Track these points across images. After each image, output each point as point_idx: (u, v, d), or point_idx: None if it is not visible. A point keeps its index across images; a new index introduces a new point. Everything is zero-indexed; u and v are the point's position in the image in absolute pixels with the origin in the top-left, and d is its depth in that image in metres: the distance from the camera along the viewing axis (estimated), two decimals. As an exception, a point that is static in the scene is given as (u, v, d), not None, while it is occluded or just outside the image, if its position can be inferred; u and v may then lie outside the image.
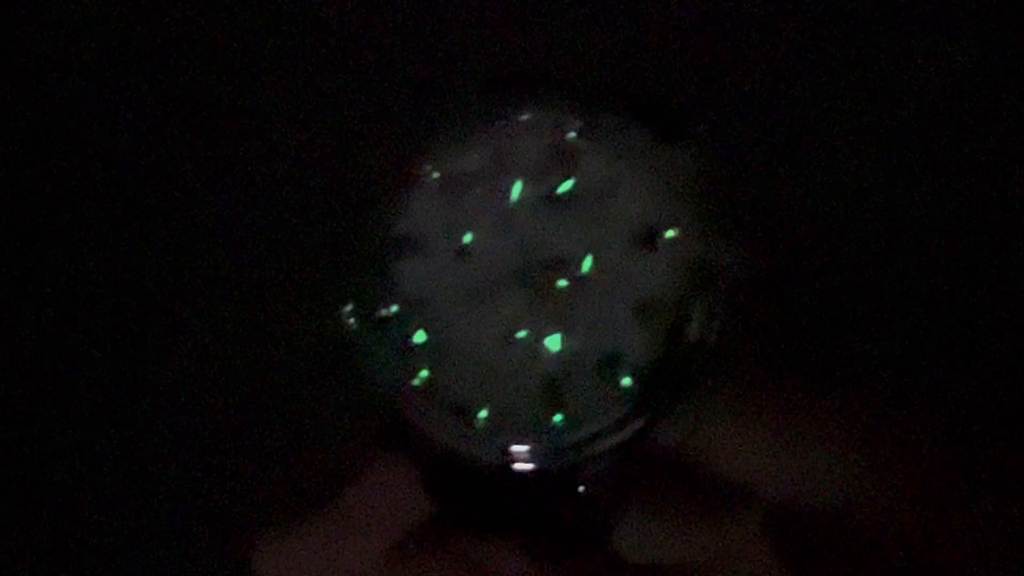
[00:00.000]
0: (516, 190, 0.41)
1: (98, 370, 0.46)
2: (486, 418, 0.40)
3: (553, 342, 0.40)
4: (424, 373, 0.41)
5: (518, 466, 0.40)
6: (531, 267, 0.40)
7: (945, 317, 0.42)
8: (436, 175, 0.41)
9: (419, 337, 0.41)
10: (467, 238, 0.41)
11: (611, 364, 0.40)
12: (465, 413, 0.40)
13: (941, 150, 0.42)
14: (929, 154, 0.42)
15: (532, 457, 0.40)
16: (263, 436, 0.44)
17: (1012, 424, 0.42)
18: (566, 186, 0.40)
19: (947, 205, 0.42)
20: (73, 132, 0.46)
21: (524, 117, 0.41)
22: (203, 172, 0.45)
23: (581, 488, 0.41)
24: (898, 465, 0.41)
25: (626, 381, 0.40)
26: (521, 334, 0.40)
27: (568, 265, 0.40)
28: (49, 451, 0.45)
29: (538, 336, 0.40)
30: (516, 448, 0.40)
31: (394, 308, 0.41)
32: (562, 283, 0.40)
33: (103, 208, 0.46)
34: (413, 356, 0.41)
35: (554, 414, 0.40)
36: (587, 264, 0.40)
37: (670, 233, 0.40)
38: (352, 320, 0.41)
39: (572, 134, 0.41)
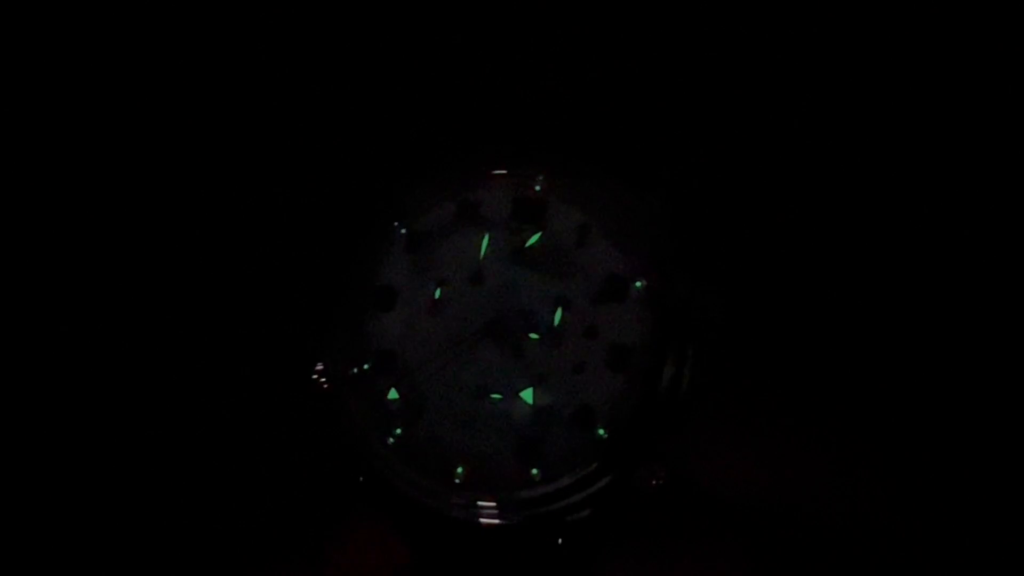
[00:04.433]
0: (484, 244, 0.41)
1: (70, 430, 0.45)
2: (462, 474, 0.40)
3: (528, 396, 0.40)
4: (398, 431, 0.41)
5: (494, 521, 0.40)
6: (503, 321, 0.40)
7: (914, 346, 0.43)
8: (406, 232, 0.41)
9: (392, 394, 0.41)
10: (438, 294, 0.41)
11: (585, 416, 0.40)
12: (442, 470, 0.40)
13: (912, 192, 0.42)
14: (900, 193, 0.42)
15: (507, 513, 0.40)
16: (239, 493, 0.44)
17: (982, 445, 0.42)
18: (533, 239, 0.41)
19: (918, 243, 0.42)
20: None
21: (492, 172, 0.41)
22: (171, 230, 0.45)
23: (560, 540, 0.41)
24: (875, 482, 0.42)
25: (600, 432, 0.40)
26: (495, 388, 0.40)
27: (539, 318, 0.40)
28: (30, 502, 0.45)
29: (512, 390, 0.40)
30: (490, 504, 0.40)
31: (366, 365, 0.41)
32: (534, 336, 0.40)
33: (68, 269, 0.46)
34: (387, 413, 0.41)
35: (530, 468, 0.40)
36: (558, 317, 0.40)
37: (640, 283, 0.40)
38: (325, 379, 0.41)
39: (538, 188, 0.41)
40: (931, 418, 0.42)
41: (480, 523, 0.40)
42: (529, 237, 0.41)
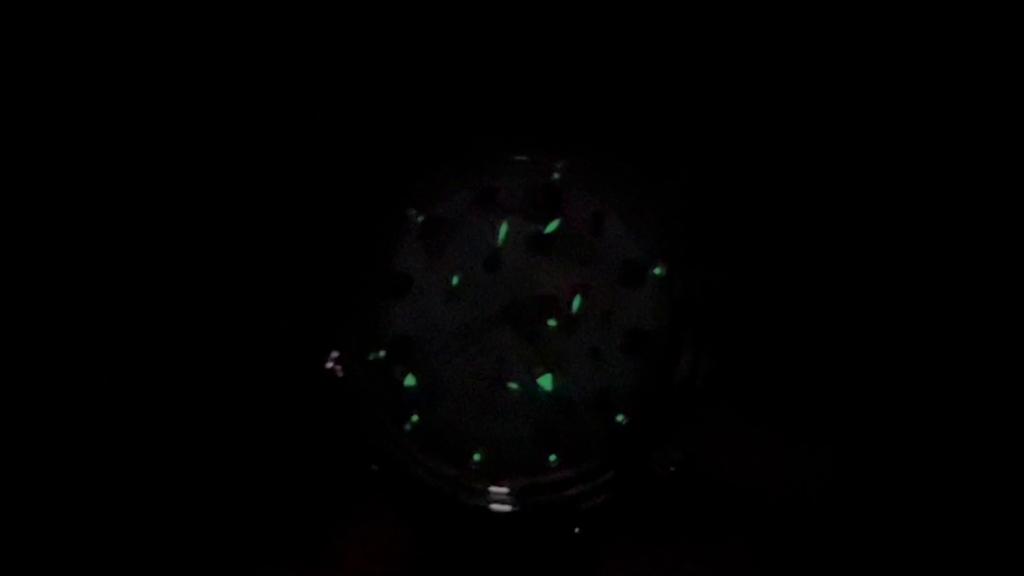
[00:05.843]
0: (503, 231, 0.41)
1: (82, 411, 0.45)
2: (480, 461, 0.40)
3: (545, 382, 0.40)
4: (415, 418, 0.40)
5: (510, 508, 0.40)
6: (521, 308, 0.40)
7: (930, 339, 0.43)
8: (422, 218, 0.41)
9: (409, 380, 0.41)
10: (455, 280, 0.41)
11: (602, 401, 0.40)
12: (459, 456, 0.40)
13: (924, 183, 0.43)
14: (917, 187, 0.43)
15: (524, 499, 0.40)
16: (252, 480, 0.44)
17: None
18: (552, 226, 0.41)
19: (929, 236, 0.43)
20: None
21: (509, 159, 0.41)
22: (185, 217, 0.45)
23: (576, 529, 0.41)
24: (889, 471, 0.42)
25: (619, 418, 0.40)
26: (513, 375, 0.40)
27: (557, 304, 0.40)
28: (30, 498, 0.45)
29: (530, 376, 0.40)
30: (507, 491, 0.40)
31: (383, 352, 0.41)
32: (552, 323, 0.40)
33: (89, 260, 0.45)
34: (403, 400, 0.41)
35: (548, 453, 0.40)
36: (576, 303, 0.40)
37: (658, 270, 0.40)
38: (341, 365, 0.41)
39: (557, 175, 0.41)
40: (948, 415, 0.42)
41: (496, 510, 0.40)
42: (547, 224, 0.41)
